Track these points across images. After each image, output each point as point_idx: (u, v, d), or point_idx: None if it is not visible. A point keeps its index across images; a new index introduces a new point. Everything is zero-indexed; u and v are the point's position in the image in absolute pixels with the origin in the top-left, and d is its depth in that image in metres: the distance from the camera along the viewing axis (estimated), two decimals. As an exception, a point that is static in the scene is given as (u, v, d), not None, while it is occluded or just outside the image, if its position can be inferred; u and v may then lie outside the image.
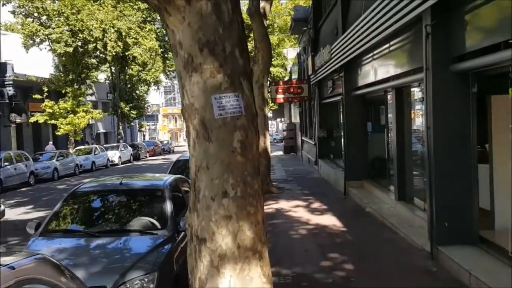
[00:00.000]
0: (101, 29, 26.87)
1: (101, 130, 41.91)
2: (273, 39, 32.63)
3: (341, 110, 11.93)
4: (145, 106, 42.29)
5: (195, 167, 3.02)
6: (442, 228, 5.75)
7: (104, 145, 33.39)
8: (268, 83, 27.84)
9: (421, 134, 7.98)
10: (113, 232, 4.86)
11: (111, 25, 27.49)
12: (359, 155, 11.55)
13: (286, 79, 31.63)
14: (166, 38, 37.49)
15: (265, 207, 9.59)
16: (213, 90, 3.01)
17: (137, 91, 44.15)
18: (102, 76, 41.21)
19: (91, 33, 26.47)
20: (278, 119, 48.68)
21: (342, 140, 11.95)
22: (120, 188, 5.47)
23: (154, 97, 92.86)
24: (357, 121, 11.57)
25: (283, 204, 10.81)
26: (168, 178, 5.92)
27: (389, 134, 9.71)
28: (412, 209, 7.85)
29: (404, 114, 8.50)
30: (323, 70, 14.02)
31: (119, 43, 27.90)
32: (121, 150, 31.58)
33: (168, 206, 4.93)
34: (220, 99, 3.13)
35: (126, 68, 37.43)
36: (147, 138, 70.44)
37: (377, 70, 9.37)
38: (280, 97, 19.80)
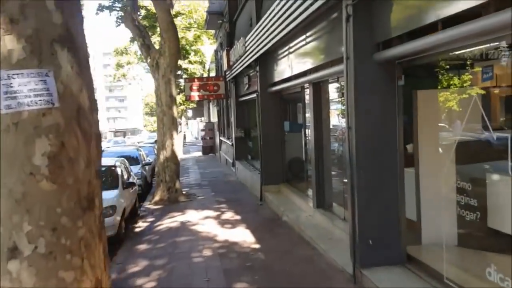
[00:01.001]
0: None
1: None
2: (190, 35, 31.10)
3: (257, 107, 10.95)
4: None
5: None
6: (365, 247, 4.86)
7: None
8: (183, 79, 26.45)
9: (341, 134, 7.16)
10: None
11: None
12: (276, 157, 10.62)
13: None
14: None
15: (169, 221, 8.18)
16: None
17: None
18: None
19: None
20: (198, 118, 46.95)
21: (259, 140, 10.96)
22: None
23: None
24: (274, 120, 10.63)
25: (190, 216, 9.51)
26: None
27: (307, 134, 8.87)
28: (332, 218, 7.00)
29: (322, 112, 7.65)
30: (238, 65, 12.93)
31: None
32: None
33: None
34: (9, 80, 1.80)
35: None
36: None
37: (293, 64, 8.45)
38: (195, 94, 18.39)
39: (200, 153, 31.92)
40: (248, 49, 10.85)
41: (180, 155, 32.72)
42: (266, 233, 7.54)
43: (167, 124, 11.64)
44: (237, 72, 13.58)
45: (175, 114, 11.83)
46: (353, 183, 4.96)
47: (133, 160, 14.26)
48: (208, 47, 35.63)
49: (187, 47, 31.73)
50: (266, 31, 8.76)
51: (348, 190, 5.12)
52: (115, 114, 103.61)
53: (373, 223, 4.91)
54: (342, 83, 6.47)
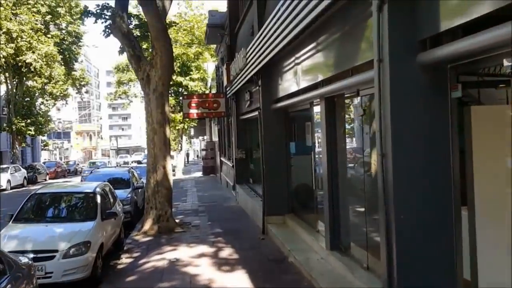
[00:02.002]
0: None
1: (-8, 149, 36.08)
2: (191, 51, 30.18)
3: (260, 126, 9.68)
4: (46, 121, 37.20)
5: None
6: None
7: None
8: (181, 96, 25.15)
9: (361, 159, 5.85)
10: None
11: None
12: (280, 183, 9.28)
13: (206, 94, 29.13)
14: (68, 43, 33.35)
15: (156, 258, 6.56)
16: None
17: (37, 106, 39.14)
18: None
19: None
20: (201, 137, 45.65)
21: (261, 163, 9.66)
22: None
23: (67, 113, 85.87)
24: (278, 141, 9.33)
25: (182, 252, 8.13)
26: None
27: (317, 157, 7.55)
28: (350, 266, 5.60)
29: (336, 132, 6.34)
30: (239, 80, 11.72)
31: (9, 47, 23.57)
32: (12, 173, 26.68)
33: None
34: None
35: (24, 78, 32.51)
36: (57, 157, 63.81)
37: (301, 76, 7.20)
38: (194, 112, 17.20)
39: (200, 174, 30.61)
40: (249, 61, 9.63)
41: (179, 175, 31.57)
42: (268, 280, 6.15)
43: (158, 145, 10.36)
44: (237, 87, 12.36)
45: (168, 133, 10.56)
46: (390, 229, 3.62)
47: (123, 183, 12.95)
48: (210, 64, 34.70)
49: (189, 64, 30.79)
50: (269, 38, 7.54)
51: (382, 238, 3.78)
52: (119, 132, 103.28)
53: (418, 285, 3.55)
54: (365, 96, 5.19)
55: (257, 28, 9.56)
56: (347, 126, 6.38)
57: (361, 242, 5.68)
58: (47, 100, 42.63)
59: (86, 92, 44.94)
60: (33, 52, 25.12)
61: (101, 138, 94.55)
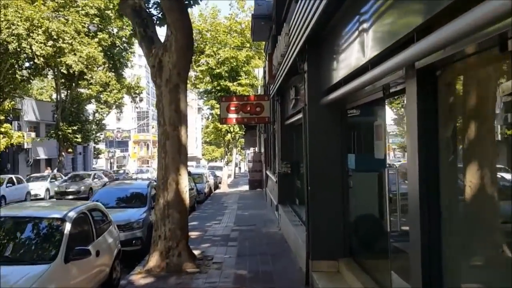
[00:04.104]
0: (25, 26, 21.63)
1: (42, 156, 35.97)
2: (241, 55, 27.93)
3: (304, 131, 6.83)
4: (99, 129, 36.66)
5: None
6: None
7: (33, 175, 27.51)
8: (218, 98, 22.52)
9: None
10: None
11: (39, 24, 22.26)
12: (333, 212, 6.34)
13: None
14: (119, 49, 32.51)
15: None
16: None
17: (89, 113, 38.94)
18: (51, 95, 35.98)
19: (12, 31, 21.19)
20: (252, 149, 43.05)
21: (305, 182, 6.80)
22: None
23: (126, 122, 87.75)
24: (330, 151, 6.41)
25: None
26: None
27: (391, 173, 4.55)
28: None
29: (439, 134, 3.41)
30: (282, 69, 8.98)
31: (48, 45, 22.57)
32: (51, 181, 25.65)
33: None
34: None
35: (73, 84, 32.01)
36: (115, 166, 64.35)
37: (371, 37, 4.31)
38: (233, 117, 14.62)
39: (247, 187, 28.07)
40: (293, 35, 6.86)
41: (224, 188, 29.16)
42: None
43: (171, 153, 7.83)
44: (280, 79, 9.61)
45: (184, 138, 8.00)
46: None
47: (139, 199, 10.59)
48: (261, 70, 32.29)
49: (238, 69, 28.59)
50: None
51: None
52: None
53: None
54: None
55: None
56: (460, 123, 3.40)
57: None
58: (101, 109, 42.56)
59: (141, 100, 44.29)
60: (75, 54, 24.01)
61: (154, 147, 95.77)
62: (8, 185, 21.58)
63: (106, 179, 27.30)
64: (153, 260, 7.74)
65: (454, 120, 3.46)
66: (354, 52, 4.87)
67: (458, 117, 3.45)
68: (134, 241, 9.27)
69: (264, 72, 21.10)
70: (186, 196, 8.04)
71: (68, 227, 5.54)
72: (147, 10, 8.70)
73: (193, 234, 11.22)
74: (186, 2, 8.69)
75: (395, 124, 4.65)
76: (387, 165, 4.62)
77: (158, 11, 9.32)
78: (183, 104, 7.98)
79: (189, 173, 22.55)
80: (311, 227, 6.46)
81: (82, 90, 35.90)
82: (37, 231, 5.60)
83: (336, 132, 6.38)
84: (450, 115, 3.46)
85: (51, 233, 5.54)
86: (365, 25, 4.44)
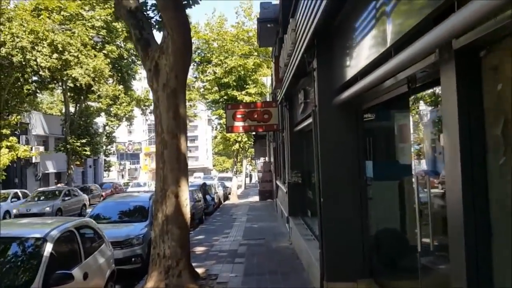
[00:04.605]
0: (30, 39, 21.38)
1: (51, 170, 35.69)
2: (250, 63, 27.39)
3: (314, 136, 6.11)
4: (102, 143, 36.30)
5: None
6: None
7: (39, 189, 27.11)
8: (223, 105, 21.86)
9: None
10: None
11: (44, 36, 21.99)
12: (350, 227, 5.60)
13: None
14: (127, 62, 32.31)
15: None
16: None
17: (98, 125, 38.75)
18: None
19: (17, 44, 20.94)
20: (262, 159, 42.26)
21: (317, 193, 6.07)
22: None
23: (137, 135, 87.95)
24: (345, 157, 5.70)
25: None
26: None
27: (420, 181, 3.81)
28: None
29: (485, 132, 2.69)
30: (289, 69, 8.32)
31: (54, 58, 22.26)
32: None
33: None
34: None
35: (82, 98, 31.80)
36: (126, 178, 64.10)
37: (393, 21, 3.62)
38: (239, 125, 13.97)
39: (257, 198, 27.28)
40: (300, 30, 6.20)
41: (234, 199, 28.40)
42: None
43: (169, 164, 7.17)
44: (288, 82, 8.95)
45: (184, 147, 7.34)
46: None
47: (140, 213, 9.93)
48: (269, 79, 31.73)
49: (245, 78, 28.07)
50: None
51: None
52: (187, 153, 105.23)
53: None
54: None
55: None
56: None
57: None
58: (111, 121, 42.33)
59: (151, 113, 44.07)
60: (81, 67, 23.68)
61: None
62: (13, 199, 21.14)
63: (84, 196, 24.19)
64: (151, 281, 7.04)
65: (505, 114, 2.74)
66: (373, 40, 4.17)
67: (509, 109, 2.73)
68: (133, 259, 8.60)
69: (272, 79, 20.50)
70: (187, 210, 7.35)
71: (48, 248, 4.88)
72: (144, 12, 8.13)
73: (198, 249, 10.52)
74: (185, 2, 8.12)
75: (422, 124, 3.93)
76: (415, 172, 3.89)
77: (155, 13, 8.75)
78: (182, 110, 7.33)
79: (204, 185, 21.96)
80: (325, 243, 5.72)
81: (92, 104, 35.75)
82: (13, 253, 4.95)
83: (351, 136, 5.66)
84: (499, 107, 2.74)
85: (29, 256, 4.89)
86: (386, 7, 3.75)
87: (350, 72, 4.96)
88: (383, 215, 5.41)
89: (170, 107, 7.21)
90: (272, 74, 18.66)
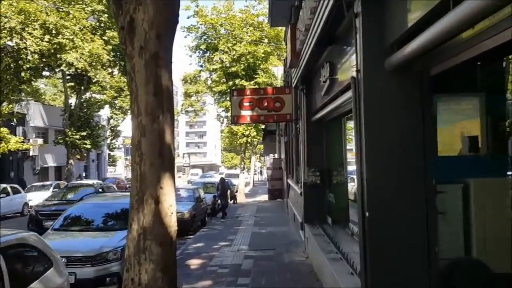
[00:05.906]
0: (19, 20, 19.64)
1: (51, 163, 34.11)
2: (260, 51, 25.39)
3: (355, 119, 4.16)
4: (102, 136, 34.67)
5: None
6: None
7: (34, 184, 25.54)
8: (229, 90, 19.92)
9: None
10: None
11: (36, 17, 20.22)
12: (410, 256, 3.66)
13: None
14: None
15: None
16: None
17: (102, 118, 37.20)
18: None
19: (5, 24, 19.23)
20: (271, 155, 40.04)
21: (359, 200, 4.14)
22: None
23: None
24: (401, 148, 3.74)
25: None
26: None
27: None
28: None
29: None
30: (313, 31, 6.34)
31: (45, 41, 20.46)
32: (54, 190, 23.50)
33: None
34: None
35: (82, 88, 30.15)
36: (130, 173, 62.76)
37: None
38: (247, 114, 12.01)
39: (266, 197, 25.37)
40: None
41: (241, 199, 26.26)
42: None
43: (149, 157, 5.15)
44: (308, 53, 6.94)
45: (168, 133, 5.38)
46: None
47: (119, 219, 8.05)
48: (280, 69, 29.68)
49: (255, 67, 26.10)
50: None
51: None
52: (194, 149, 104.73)
53: None
54: None
55: None
56: None
57: None
58: (116, 114, 40.70)
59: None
60: (77, 51, 21.87)
61: (178, 155, 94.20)
62: (2, 195, 19.46)
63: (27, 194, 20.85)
64: (123, 316, 5.14)
65: None
66: None
67: None
68: (108, 279, 6.71)
69: (284, 65, 18.51)
70: (172, 220, 5.37)
71: None
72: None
73: (193, 263, 8.64)
74: None
75: None
76: None
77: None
78: (166, 83, 5.37)
79: (222, 181, 19.31)
80: (370, 277, 3.77)
81: (96, 96, 34.19)
82: None
83: (413, 116, 3.69)
84: None
85: None
86: None
87: (415, 16, 2.98)
88: (463, 236, 3.46)
89: (150, 79, 5.20)
90: (285, 59, 16.67)
